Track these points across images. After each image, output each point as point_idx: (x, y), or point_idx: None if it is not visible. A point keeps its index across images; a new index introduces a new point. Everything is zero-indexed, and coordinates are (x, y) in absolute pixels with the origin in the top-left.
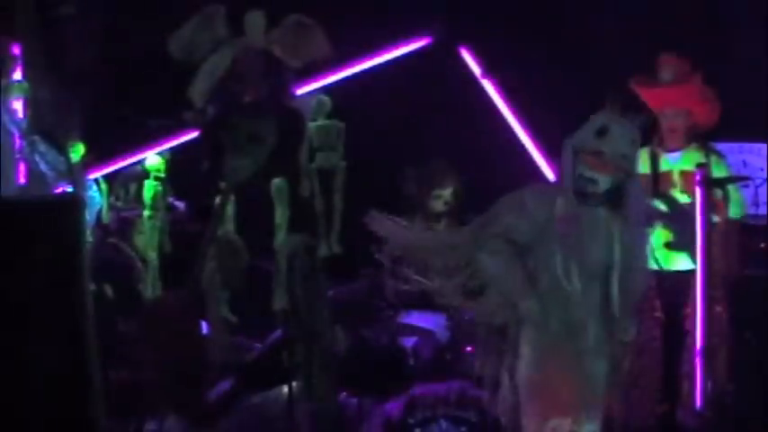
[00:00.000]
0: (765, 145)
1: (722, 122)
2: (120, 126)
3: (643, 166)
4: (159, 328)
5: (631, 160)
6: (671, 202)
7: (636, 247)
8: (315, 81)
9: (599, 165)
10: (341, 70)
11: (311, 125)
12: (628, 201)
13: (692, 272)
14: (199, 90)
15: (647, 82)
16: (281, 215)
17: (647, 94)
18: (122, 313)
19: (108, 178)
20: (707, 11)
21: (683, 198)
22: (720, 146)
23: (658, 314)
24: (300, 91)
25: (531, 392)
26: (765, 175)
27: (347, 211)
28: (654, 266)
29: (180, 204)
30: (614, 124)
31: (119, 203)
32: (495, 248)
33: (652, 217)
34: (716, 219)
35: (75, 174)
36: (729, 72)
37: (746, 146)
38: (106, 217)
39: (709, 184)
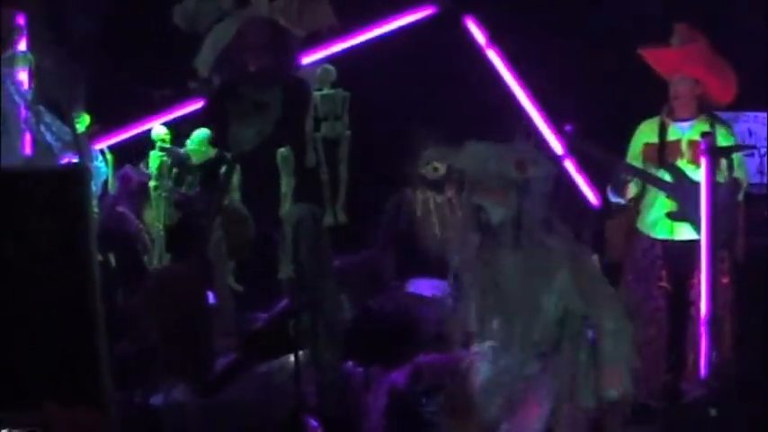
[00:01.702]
0: None
1: None
2: (126, 96)
3: (651, 136)
4: (165, 298)
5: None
6: (676, 172)
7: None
8: (320, 50)
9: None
10: (346, 40)
11: (316, 94)
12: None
13: (699, 242)
14: (204, 60)
15: (652, 46)
16: (286, 184)
17: (651, 57)
18: (126, 283)
19: (113, 149)
20: None
21: (689, 168)
22: (725, 115)
23: (664, 284)
24: (305, 60)
25: None
26: None
27: (352, 181)
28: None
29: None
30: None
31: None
32: None
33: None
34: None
35: (80, 144)
36: (736, 41)
37: (751, 115)
38: (112, 187)
39: (715, 152)
